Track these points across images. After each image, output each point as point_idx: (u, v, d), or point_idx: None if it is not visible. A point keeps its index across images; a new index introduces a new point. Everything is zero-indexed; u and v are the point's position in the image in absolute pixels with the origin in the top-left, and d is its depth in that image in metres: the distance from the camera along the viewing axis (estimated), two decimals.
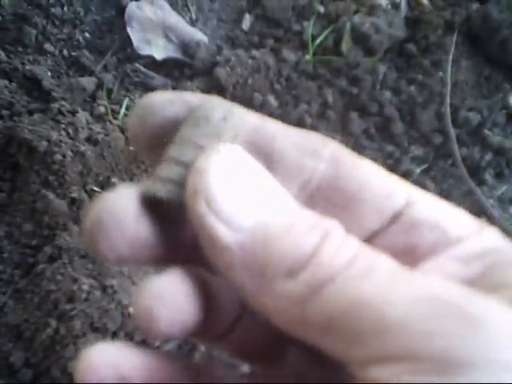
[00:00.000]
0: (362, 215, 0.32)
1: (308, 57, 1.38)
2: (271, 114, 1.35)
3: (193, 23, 1.47)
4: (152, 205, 0.31)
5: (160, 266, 0.33)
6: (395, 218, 0.32)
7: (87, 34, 1.45)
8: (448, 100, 1.36)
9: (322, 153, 0.32)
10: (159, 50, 1.41)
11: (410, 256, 0.32)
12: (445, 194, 1.35)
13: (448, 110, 1.35)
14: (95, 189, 1.23)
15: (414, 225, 0.32)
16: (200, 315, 0.31)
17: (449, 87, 1.37)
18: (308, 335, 0.27)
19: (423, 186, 1.34)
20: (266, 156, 0.32)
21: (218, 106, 0.33)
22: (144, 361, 0.31)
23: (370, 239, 0.33)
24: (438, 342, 0.23)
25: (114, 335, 1.08)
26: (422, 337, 0.24)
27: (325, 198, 0.32)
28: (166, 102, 0.33)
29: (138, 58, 1.41)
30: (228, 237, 0.27)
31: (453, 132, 1.34)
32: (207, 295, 0.31)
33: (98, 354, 0.31)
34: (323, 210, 0.30)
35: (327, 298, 0.26)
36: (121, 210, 0.30)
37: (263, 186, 0.29)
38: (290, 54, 1.39)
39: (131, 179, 1.27)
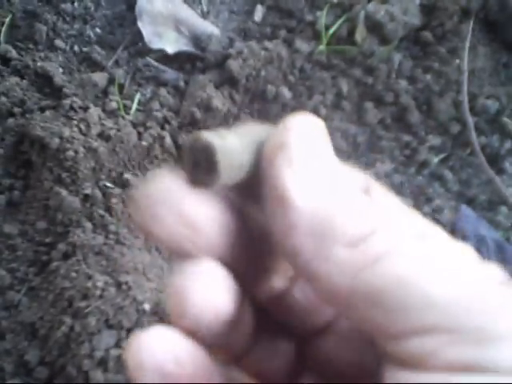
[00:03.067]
0: None
1: (321, 47, 1.36)
2: (285, 106, 1.34)
3: (204, 16, 1.46)
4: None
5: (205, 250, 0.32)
6: None
7: (98, 30, 1.44)
8: (465, 88, 1.34)
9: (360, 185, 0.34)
10: (171, 44, 1.39)
11: None
12: (463, 184, 1.33)
13: (465, 98, 1.33)
14: (108, 185, 1.22)
15: None
16: (232, 308, 0.31)
17: (466, 75, 1.35)
18: (354, 306, 0.29)
19: (441, 176, 1.32)
20: None
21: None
22: (198, 349, 0.31)
23: None
24: (478, 318, 0.26)
25: (129, 332, 1.07)
26: (464, 312, 0.26)
27: None
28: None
29: (150, 52, 1.40)
30: (301, 199, 0.29)
31: (471, 120, 1.32)
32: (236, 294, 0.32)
33: (155, 336, 0.30)
34: None
35: (380, 269, 0.28)
36: (172, 189, 0.30)
37: (335, 168, 0.31)
38: (303, 45, 1.37)
39: (144, 175, 1.26)
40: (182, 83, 1.36)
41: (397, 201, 0.34)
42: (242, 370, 0.36)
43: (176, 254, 0.31)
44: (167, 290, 0.30)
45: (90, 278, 1.11)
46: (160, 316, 1.09)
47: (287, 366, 0.37)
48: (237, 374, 0.36)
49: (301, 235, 0.29)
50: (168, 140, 1.28)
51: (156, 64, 1.39)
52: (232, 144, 0.30)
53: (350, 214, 0.29)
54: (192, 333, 0.30)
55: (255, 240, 0.34)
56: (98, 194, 1.21)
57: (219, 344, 0.33)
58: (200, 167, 0.30)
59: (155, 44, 1.40)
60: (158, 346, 0.30)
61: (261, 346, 0.36)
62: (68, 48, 1.42)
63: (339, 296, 0.29)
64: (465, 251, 0.30)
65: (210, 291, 0.30)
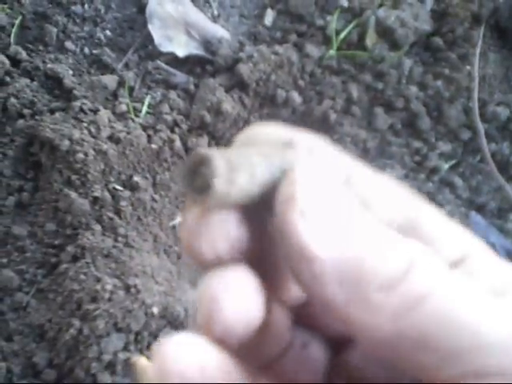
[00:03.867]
0: None
1: (332, 52, 1.36)
2: (295, 111, 1.34)
3: (214, 19, 1.46)
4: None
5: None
6: (455, 264, 0.33)
7: (108, 32, 1.44)
8: (476, 94, 1.34)
9: (403, 202, 0.34)
10: (181, 47, 1.39)
11: None
12: (474, 191, 1.32)
13: (476, 105, 1.33)
14: (117, 187, 1.22)
15: (471, 272, 0.32)
16: (262, 314, 0.30)
17: (476, 81, 1.35)
18: (399, 351, 0.27)
19: (451, 183, 1.31)
20: (359, 201, 0.33)
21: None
22: (223, 359, 0.30)
23: None
24: None
25: (138, 335, 1.07)
26: None
27: None
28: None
29: (160, 55, 1.40)
30: (323, 250, 0.27)
31: (481, 127, 1.32)
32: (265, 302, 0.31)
33: (181, 343, 0.29)
34: None
35: (424, 312, 0.26)
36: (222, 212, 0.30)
37: (350, 205, 0.29)
38: (313, 50, 1.37)
39: (154, 178, 1.26)
40: (191, 86, 1.36)
41: (440, 217, 0.34)
42: (273, 377, 0.36)
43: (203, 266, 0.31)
44: (197, 298, 0.30)
45: (98, 280, 1.11)
46: (168, 320, 1.09)
47: (319, 375, 0.36)
48: (265, 382, 0.35)
49: (330, 287, 0.28)
50: (178, 143, 1.28)
51: (166, 67, 1.39)
52: (233, 155, 0.29)
53: (379, 253, 0.28)
54: (222, 341, 0.29)
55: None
56: (108, 196, 1.20)
57: (250, 351, 0.33)
58: (198, 181, 0.29)
59: (165, 47, 1.40)
60: (184, 354, 0.29)
61: (293, 353, 0.36)
62: (78, 50, 1.41)
63: (382, 345, 0.28)
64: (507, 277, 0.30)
65: (241, 299, 0.29)
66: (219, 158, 0.28)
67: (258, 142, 0.33)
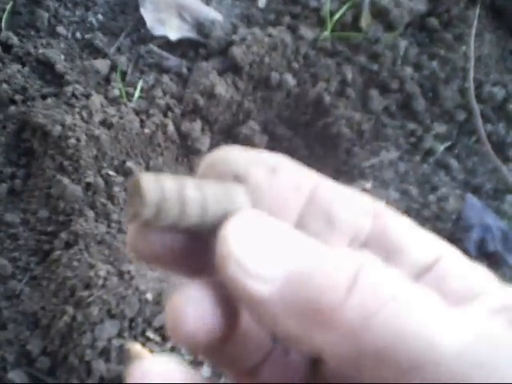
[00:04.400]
0: (401, 266, 0.34)
1: (326, 33, 1.35)
2: (289, 93, 1.33)
3: (207, 2, 1.44)
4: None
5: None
6: (426, 269, 0.34)
7: (100, 16, 1.43)
8: (471, 75, 1.33)
9: (370, 211, 0.35)
10: (173, 30, 1.38)
11: None
12: (469, 172, 1.32)
13: (472, 86, 1.32)
14: (110, 173, 1.21)
15: (443, 276, 0.34)
16: (226, 324, 0.32)
17: (472, 62, 1.33)
18: (361, 368, 0.27)
19: (447, 165, 1.30)
20: (325, 211, 0.34)
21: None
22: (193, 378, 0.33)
23: None
24: (490, 373, 0.25)
25: (132, 322, 1.07)
26: (474, 366, 0.25)
27: (370, 250, 0.34)
28: (248, 161, 0.34)
29: (152, 38, 1.39)
30: (263, 290, 0.29)
31: (477, 108, 1.31)
32: (236, 312, 0.33)
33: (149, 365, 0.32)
34: None
35: (379, 327, 0.26)
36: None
37: (285, 237, 0.31)
38: (307, 31, 1.36)
39: (147, 163, 1.25)
40: (184, 70, 1.35)
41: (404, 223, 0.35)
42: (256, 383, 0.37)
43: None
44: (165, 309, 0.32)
45: (92, 267, 1.10)
46: (162, 306, 1.09)
47: (302, 379, 0.37)
48: None
49: (282, 323, 0.28)
50: (171, 127, 1.27)
51: (159, 51, 1.38)
52: (168, 186, 0.31)
53: (318, 275, 0.28)
54: (189, 346, 0.32)
55: None
56: (101, 182, 1.20)
57: (231, 357, 0.35)
58: (134, 203, 0.31)
59: (158, 31, 1.38)
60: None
61: (274, 359, 0.36)
62: (70, 35, 1.40)
63: (347, 362, 0.28)
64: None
65: (200, 311, 0.31)
66: (151, 189, 0.30)
67: (216, 172, 0.34)
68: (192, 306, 0.31)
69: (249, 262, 0.29)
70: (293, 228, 0.32)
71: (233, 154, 0.34)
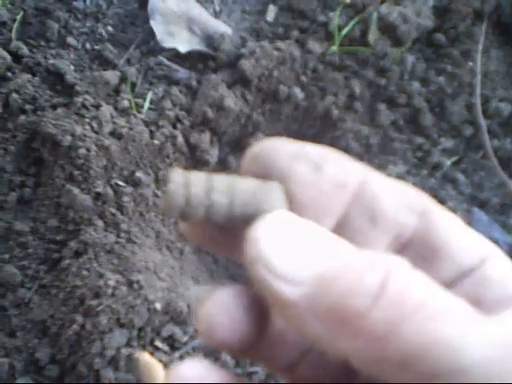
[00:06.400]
0: (443, 267, 0.34)
1: (334, 48, 1.36)
2: (297, 107, 1.33)
3: (216, 15, 1.45)
4: None
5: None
6: (469, 271, 0.34)
7: (110, 28, 1.44)
8: (478, 90, 1.34)
9: (417, 208, 0.34)
10: (183, 43, 1.39)
11: (477, 308, 0.33)
12: (476, 187, 1.32)
13: (478, 101, 1.33)
14: (120, 183, 1.22)
15: (486, 279, 0.33)
16: (258, 329, 0.33)
17: (479, 77, 1.34)
18: (385, 372, 0.27)
19: (454, 179, 1.31)
20: (370, 208, 0.34)
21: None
22: (222, 376, 0.34)
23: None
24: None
25: (141, 331, 1.07)
26: (497, 378, 0.25)
27: (413, 248, 0.35)
28: (291, 156, 0.34)
29: (162, 50, 1.40)
30: (291, 293, 0.29)
31: (483, 123, 1.32)
32: (267, 314, 0.34)
33: (186, 367, 0.33)
34: (410, 259, 0.32)
35: (404, 335, 0.26)
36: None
37: (314, 240, 0.30)
38: (315, 46, 1.37)
39: (156, 173, 1.26)
40: (194, 82, 1.36)
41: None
42: (295, 381, 0.37)
43: None
44: (197, 317, 0.33)
45: (101, 276, 1.10)
46: (171, 315, 1.09)
47: (340, 378, 0.37)
48: None
49: (309, 325, 0.29)
50: (180, 139, 1.27)
51: (168, 63, 1.39)
52: (194, 190, 0.32)
53: (346, 279, 0.28)
54: (225, 351, 0.34)
55: None
56: (110, 192, 1.20)
57: (270, 356, 0.36)
58: (165, 201, 0.33)
59: (167, 43, 1.39)
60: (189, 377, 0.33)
61: (312, 357, 0.37)
62: (80, 46, 1.41)
63: (371, 366, 0.28)
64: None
65: (232, 317, 0.33)
66: (176, 195, 0.32)
67: (259, 167, 0.34)
68: (223, 315, 0.32)
69: (278, 264, 0.29)
70: (324, 230, 0.32)
71: (276, 148, 0.34)
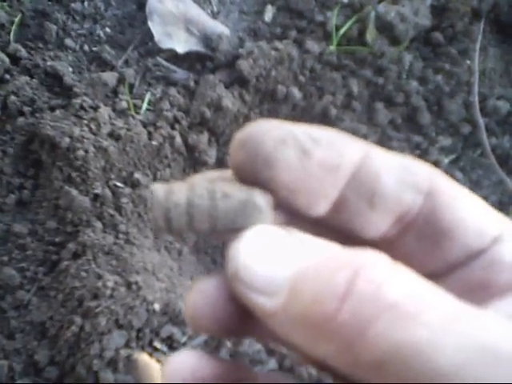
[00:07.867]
0: (450, 249, 0.32)
1: (332, 47, 1.36)
2: (295, 106, 1.33)
3: (214, 16, 1.46)
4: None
5: None
6: (480, 253, 0.32)
7: (108, 29, 1.44)
8: (476, 89, 1.33)
9: (422, 186, 0.33)
10: (181, 44, 1.39)
11: (484, 291, 0.32)
12: (474, 185, 1.32)
13: (476, 99, 1.33)
14: (118, 184, 1.22)
15: (495, 262, 0.32)
16: (241, 314, 0.33)
17: (477, 76, 1.34)
18: (362, 375, 0.26)
19: (452, 177, 1.30)
20: (369, 191, 0.33)
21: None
22: (216, 365, 0.35)
23: (451, 270, 0.33)
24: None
25: (139, 332, 1.07)
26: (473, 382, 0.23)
27: (418, 230, 0.33)
28: (277, 142, 0.33)
29: (160, 51, 1.40)
30: (268, 304, 0.29)
31: (481, 121, 1.31)
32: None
33: (179, 359, 0.34)
34: (414, 241, 0.32)
35: (373, 338, 0.25)
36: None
37: (289, 248, 0.30)
38: (313, 45, 1.37)
39: (154, 174, 1.26)
40: (192, 83, 1.36)
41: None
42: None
43: None
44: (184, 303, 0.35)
45: (99, 277, 1.11)
46: (170, 316, 1.09)
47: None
48: None
49: (291, 333, 0.29)
50: (178, 140, 1.27)
51: (166, 64, 1.39)
52: (176, 198, 0.33)
53: (316, 282, 0.27)
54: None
55: None
56: (108, 193, 1.20)
57: (257, 336, 0.38)
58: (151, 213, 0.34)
59: (165, 44, 1.39)
60: (182, 369, 0.34)
61: None
62: (78, 47, 1.41)
63: (348, 369, 0.27)
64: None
65: (214, 306, 0.33)
66: (159, 202, 0.33)
67: (244, 155, 0.33)
68: (206, 304, 0.33)
69: (253, 278, 0.30)
70: (303, 236, 0.31)
71: (263, 133, 0.33)
